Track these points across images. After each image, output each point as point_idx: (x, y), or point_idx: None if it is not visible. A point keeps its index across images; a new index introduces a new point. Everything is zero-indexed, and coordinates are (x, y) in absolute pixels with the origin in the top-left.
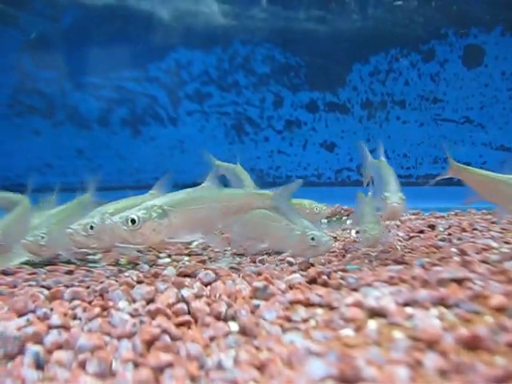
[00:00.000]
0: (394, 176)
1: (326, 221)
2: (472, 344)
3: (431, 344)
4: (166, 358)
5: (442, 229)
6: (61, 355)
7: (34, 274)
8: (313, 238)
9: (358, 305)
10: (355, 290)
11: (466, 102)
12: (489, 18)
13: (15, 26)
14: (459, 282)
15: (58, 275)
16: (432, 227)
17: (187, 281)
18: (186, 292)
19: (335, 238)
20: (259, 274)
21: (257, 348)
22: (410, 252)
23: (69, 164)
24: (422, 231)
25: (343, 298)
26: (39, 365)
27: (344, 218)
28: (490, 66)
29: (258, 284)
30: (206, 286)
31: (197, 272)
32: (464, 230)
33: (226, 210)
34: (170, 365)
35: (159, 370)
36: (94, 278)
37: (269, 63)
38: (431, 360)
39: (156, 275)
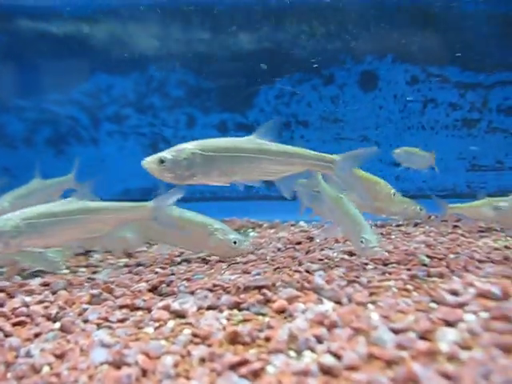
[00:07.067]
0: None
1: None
2: (234, 339)
3: (204, 339)
4: None
5: (318, 240)
6: None
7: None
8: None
9: (166, 308)
10: (175, 295)
11: (363, 122)
12: (381, 47)
13: None
14: (260, 288)
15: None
16: (311, 239)
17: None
18: (28, 298)
19: None
20: (106, 283)
21: (68, 341)
22: (267, 262)
23: None
24: (299, 243)
25: (159, 302)
26: None
27: (249, 230)
28: (384, 90)
29: (94, 291)
30: (53, 294)
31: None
32: (337, 241)
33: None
34: None
35: None
36: None
37: (182, 87)
38: (200, 350)
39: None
